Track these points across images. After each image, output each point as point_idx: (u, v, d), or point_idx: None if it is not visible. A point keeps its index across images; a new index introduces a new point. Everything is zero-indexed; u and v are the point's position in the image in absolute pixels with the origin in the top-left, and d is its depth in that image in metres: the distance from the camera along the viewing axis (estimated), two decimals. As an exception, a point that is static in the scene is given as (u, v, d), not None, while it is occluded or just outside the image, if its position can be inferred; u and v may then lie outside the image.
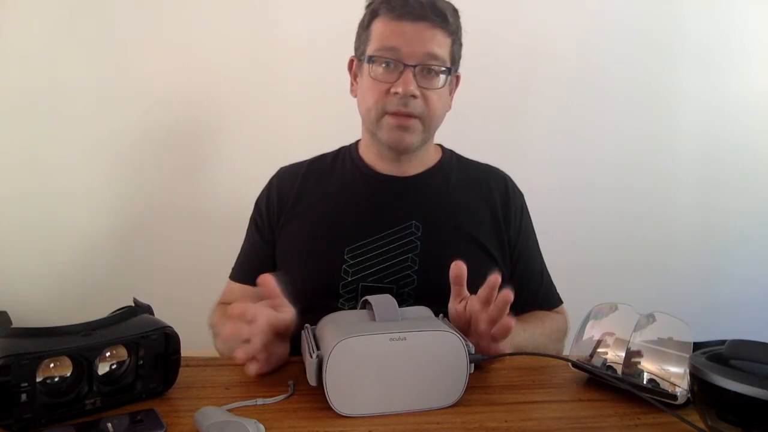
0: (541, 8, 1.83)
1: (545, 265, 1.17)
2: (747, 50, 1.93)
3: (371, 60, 0.99)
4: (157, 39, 1.73)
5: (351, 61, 1.09)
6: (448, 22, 0.99)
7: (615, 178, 1.91)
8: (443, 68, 1.00)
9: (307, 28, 1.75)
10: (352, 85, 1.09)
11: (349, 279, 1.01)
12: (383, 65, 0.99)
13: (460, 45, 1.05)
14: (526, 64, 1.84)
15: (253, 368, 0.78)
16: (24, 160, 1.72)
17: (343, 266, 1.01)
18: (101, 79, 1.72)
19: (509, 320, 0.77)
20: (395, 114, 0.99)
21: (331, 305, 0.93)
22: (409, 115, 0.99)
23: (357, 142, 1.15)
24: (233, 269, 1.15)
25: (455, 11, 1.03)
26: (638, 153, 1.91)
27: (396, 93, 0.97)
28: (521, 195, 1.16)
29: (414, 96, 0.97)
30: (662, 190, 1.94)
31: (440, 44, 0.99)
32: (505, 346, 0.81)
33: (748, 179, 1.96)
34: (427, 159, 1.11)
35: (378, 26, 1.00)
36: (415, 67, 0.97)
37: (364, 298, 0.81)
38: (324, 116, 1.68)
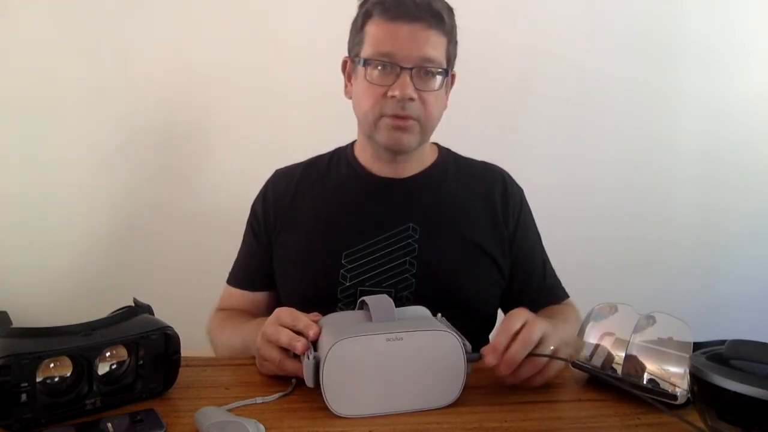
0: (540, 8, 1.83)
1: (548, 260, 1.16)
2: (747, 50, 1.93)
3: (366, 63, 0.97)
4: (157, 40, 1.73)
5: (344, 62, 1.07)
6: (444, 22, 0.97)
7: (615, 178, 1.91)
8: (439, 70, 0.98)
9: (306, 28, 1.75)
10: (346, 86, 1.07)
11: (347, 284, 1.00)
12: (379, 68, 0.97)
13: (456, 44, 1.03)
14: (525, 64, 1.84)
15: (291, 366, 0.78)
16: (24, 161, 1.72)
17: (341, 271, 1.01)
18: (102, 79, 1.72)
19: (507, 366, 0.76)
20: (393, 117, 0.98)
21: (329, 311, 0.93)
22: (407, 117, 0.98)
23: (353, 143, 1.14)
24: (230, 274, 1.14)
25: (450, 10, 1.01)
26: (638, 153, 1.91)
27: (393, 96, 0.96)
28: (520, 189, 1.15)
29: (411, 99, 0.96)
30: (662, 190, 1.94)
31: (435, 45, 0.97)
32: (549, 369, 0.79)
33: (748, 179, 1.96)
34: (424, 159, 1.10)
35: (372, 28, 0.98)
36: (411, 69, 0.96)
37: (361, 299, 0.81)
38: (324, 116, 1.67)
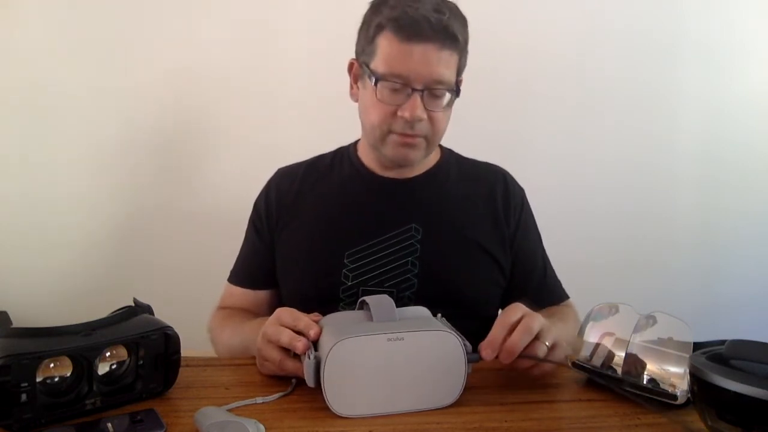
0: (541, 8, 1.83)
1: (549, 261, 1.16)
2: (747, 50, 1.93)
3: (377, 81, 0.96)
4: (157, 40, 1.72)
5: (351, 64, 1.05)
6: (458, 41, 0.96)
7: (615, 178, 1.91)
8: (449, 89, 0.97)
9: (307, 28, 1.75)
10: (351, 87, 1.06)
11: (350, 283, 1.01)
12: (389, 87, 0.95)
13: (467, 53, 1.02)
14: (526, 64, 1.84)
15: (292, 366, 0.78)
16: (24, 161, 1.72)
17: (343, 271, 1.01)
18: (102, 79, 1.72)
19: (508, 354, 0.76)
20: (401, 135, 0.98)
21: (331, 310, 0.93)
22: (415, 136, 0.98)
23: (356, 143, 1.14)
24: (232, 273, 1.14)
25: (464, 23, 0.99)
26: (638, 153, 1.91)
27: (402, 116, 0.95)
28: (521, 190, 1.15)
29: (420, 119, 0.96)
30: (662, 190, 1.94)
31: (448, 65, 0.96)
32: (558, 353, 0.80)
33: (748, 179, 1.96)
34: (427, 161, 1.10)
35: (384, 44, 0.95)
36: (422, 91, 0.95)
37: (361, 299, 0.81)
38: (324, 116, 1.68)
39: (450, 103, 1.00)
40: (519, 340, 0.75)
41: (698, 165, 1.95)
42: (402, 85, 0.95)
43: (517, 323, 0.77)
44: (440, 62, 0.94)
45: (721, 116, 1.94)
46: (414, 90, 0.94)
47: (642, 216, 1.93)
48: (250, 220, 1.15)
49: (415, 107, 0.94)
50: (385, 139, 1.00)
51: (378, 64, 0.96)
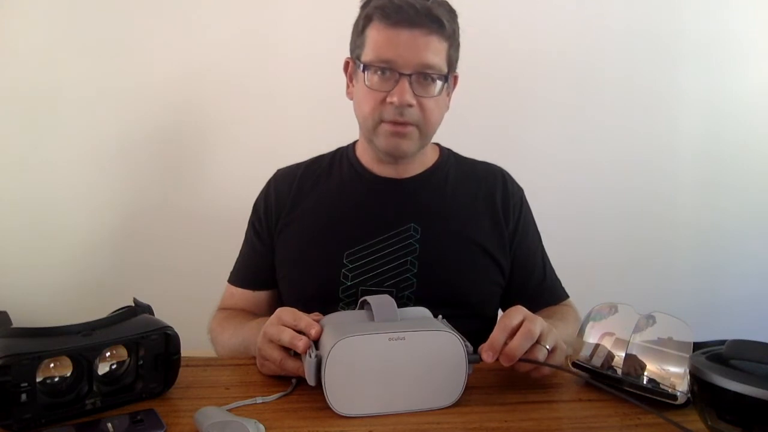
0: (540, 9, 1.83)
1: (548, 260, 1.16)
2: (747, 50, 1.93)
3: (366, 68, 0.98)
4: (156, 41, 1.72)
5: (347, 63, 1.07)
6: (444, 27, 0.96)
7: (615, 178, 1.91)
8: (439, 75, 0.98)
9: (306, 29, 1.75)
10: (348, 86, 1.07)
11: (349, 283, 1.01)
12: (378, 74, 0.97)
13: (458, 46, 1.03)
14: (525, 64, 1.83)
15: (292, 366, 0.78)
16: (24, 161, 1.72)
17: (343, 271, 1.01)
18: (102, 80, 1.72)
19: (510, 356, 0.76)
20: (392, 122, 0.98)
21: (330, 310, 0.93)
22: (406, 123, 0.98)
23: (354, 143, 1.14)
24: (232, 274, 1.15)
25: (452, 13, 1.00)
26: (638, 153, 1.91)
27: (391, 102, 0.96)
28: (520, 189, 1.15)
29: (410, 105, 0.96)
30: (662, 191, 1.94)
31: (436, 51, 0.96)
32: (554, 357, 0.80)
33: (748, 179, 1.96)
34: (425, 160, 1.10)
35: (372, 33, 0.97)
36: (410, 75, 0.95)
37: (362, 299, 0.81)
38: (324, 116, 1.68)
39: (441, 91, 1.00)
40: (519, 345, 0.75)
41: (698, 165, 1.95)
42: (390, 70, 0.96)
43: (518, 327, 0.77)
44: (428, 47, 0.96)
45: (721, 116, 1.94)
46: (402, 75, 0.95)
47: (642, 216, 1.93)
48: (249, 221, 1.15)
49: (403, 92, 0.95)
50: (377, 129, 1.00)
51: (367, 53, 0.98)
